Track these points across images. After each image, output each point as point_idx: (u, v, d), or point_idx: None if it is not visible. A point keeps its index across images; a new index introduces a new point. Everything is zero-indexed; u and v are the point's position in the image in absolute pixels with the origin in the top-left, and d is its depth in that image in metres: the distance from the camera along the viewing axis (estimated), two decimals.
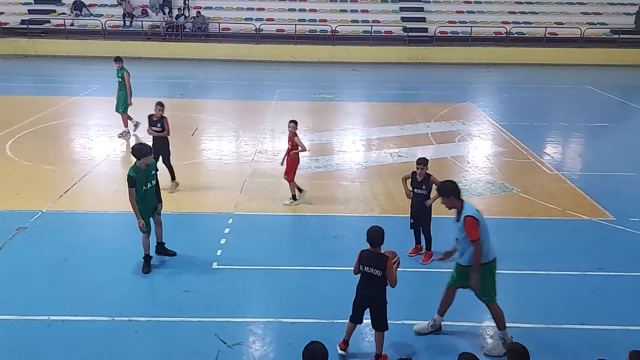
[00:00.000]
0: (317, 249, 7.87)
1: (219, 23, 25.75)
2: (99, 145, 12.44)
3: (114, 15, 25.81)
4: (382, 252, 5.37)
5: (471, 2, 27.77)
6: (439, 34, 25.76)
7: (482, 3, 27.72)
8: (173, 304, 6.37)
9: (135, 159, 6.84)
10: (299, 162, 9.26)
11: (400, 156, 12.02)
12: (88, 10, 25.83)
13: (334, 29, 25.70)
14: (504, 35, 25.74)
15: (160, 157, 9.35)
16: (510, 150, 12.55)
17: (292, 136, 9.00)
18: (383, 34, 26.16)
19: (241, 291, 6.75)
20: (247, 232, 8.30)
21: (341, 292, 6.09)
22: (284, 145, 12.66)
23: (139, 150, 6.82)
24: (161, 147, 9.50)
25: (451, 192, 5.57)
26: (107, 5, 26.28)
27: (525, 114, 16.00)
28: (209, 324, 6.00)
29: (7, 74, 20.60)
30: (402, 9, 27.24)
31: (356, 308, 5.51)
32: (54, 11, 26.07)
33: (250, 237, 8.14)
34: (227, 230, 8.22)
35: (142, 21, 25.73)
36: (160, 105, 9.67)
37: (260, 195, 9.71)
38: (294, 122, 9.03)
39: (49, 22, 25.63)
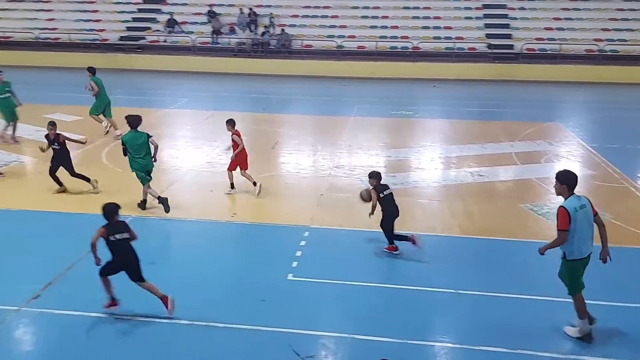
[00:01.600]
0: (392, 266, 7.81)
1: (302, 40, 26.39)
2: (186, 156, 13.06)
3: (203, 33, 27.15)
4: None
5: (561, 19, 26.69)
6: (525, 51, 24.95)
7: (573, 20, 26.55)
8: (249, 312, 6.54)
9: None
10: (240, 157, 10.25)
11: (480, 175, 11.70)
12: (180, 28, 27.34)
13: (415, 46, 25.57)
14: (596, 53, 24.49)
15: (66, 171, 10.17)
16: (601, 173, 11.87)
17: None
18: (466, 50, 25.70)
19: (315, 304, 6.82)
20: (322, 246, 8.38)
21: (414, 311, 6.00)
22: (360, 160, 12.79)
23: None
24: (62, 161, 10.14)
25: (566, 180, 5.84)
26: (197, 22, 27.69)
27: (618, 136, 15.08)
28: (283, 335, 6.09)
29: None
30: (487, 26, 26.66)
31: None
32: (150, 28, 27.82)
33: (325, 251, 8.21)
34: (303, 243, 8.34)
35: (229, 38, 26.88)
36: (51, 124, 10.06)
37: (336, 210, 9.79)
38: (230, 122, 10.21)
39: (144, 38, 27.38)
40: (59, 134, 10.15)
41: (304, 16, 27.67)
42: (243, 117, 17.29)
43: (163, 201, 9.43)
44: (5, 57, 26.19)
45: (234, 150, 10.27)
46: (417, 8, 27.79)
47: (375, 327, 6.25)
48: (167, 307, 6.30)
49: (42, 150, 10.21)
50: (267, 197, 10.54)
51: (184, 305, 6.62)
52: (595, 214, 5.93)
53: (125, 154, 9.44)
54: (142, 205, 9.62)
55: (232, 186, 10.46)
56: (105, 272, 6.34)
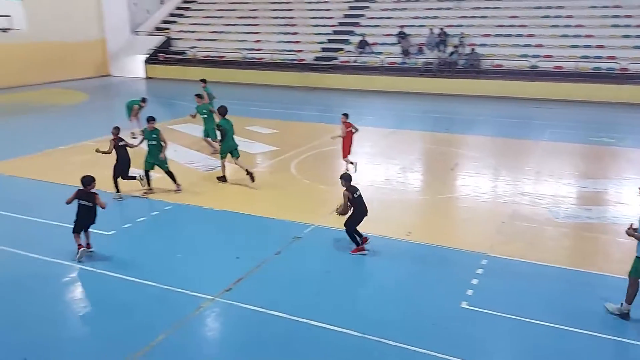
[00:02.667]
0: (576, 308, 7.08)
1: (493, 60, 25.47)
2: (365, 172, 13.44)
3: (392, 53, 27.77)
4: None
5: None
6: None
7: None
8: (418, 334, 6.47)
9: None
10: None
11: None
12: (370, 48, 28.33)
13: (623, 67, 22.97)
14: None
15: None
16: None
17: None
18: None
19: (488, 337, 6.49)
20: (501, 277, 7.94)
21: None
22: (549, 188, 11.86)
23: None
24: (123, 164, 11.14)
25: None
26: (387, 43, 28.42)
27: None
28: None
29: (298, 103, 23.92)
30: None
31: None
32: (342, 49, 29.33)
33: (504, 283, 7.77)
34: (480, 271, 8.00)
35: (417, 58, 27.09)
36: (115, 129, 11.00)
37: (519, 240, 9.22)
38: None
39: (336, 58, 28.94)
40: (119, 139, 11.08)
41: (496, 35, 26.70)
42: (423, 136, 17.29)
43: (250, 174, 11.80)
44: (217, 74, 29.84)
45: (344, 139, 12.65)
46: (628, 26, 24.97)
47: None
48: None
49: (105, 152, 11.04)
50: (444, 219, 10.38)
51: (356, 317, 6.81)
52: None
53: (223, 137, 11.86)
54: (223, 179, 12.12)
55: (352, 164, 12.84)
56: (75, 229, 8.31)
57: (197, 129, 17.83)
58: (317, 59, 29.13)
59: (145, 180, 11.45)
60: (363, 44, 28.35)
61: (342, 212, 8.67)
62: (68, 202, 8.31)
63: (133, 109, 16.20)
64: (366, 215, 8.67)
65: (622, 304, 6.85)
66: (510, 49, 25.83)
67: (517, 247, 8.89)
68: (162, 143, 11.32)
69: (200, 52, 31.78)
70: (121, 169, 11.20)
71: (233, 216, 10.29)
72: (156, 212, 10.46)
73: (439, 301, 7.22)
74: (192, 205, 10.77)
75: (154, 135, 11.21)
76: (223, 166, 12.31)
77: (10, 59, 26.48)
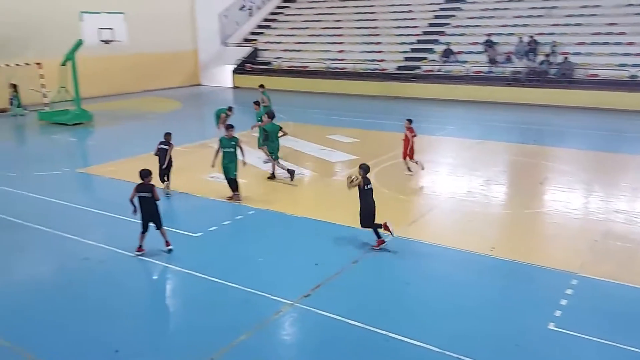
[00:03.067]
0: None
1: (587, 69, 24.14)
2: (448, 183, 13.17)
3: (478, 62, 27.07)
4: None
5: None
6: None
7: None
8: (502, 356, 6.24)
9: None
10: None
11: None
12: (455, 57, 27.78)
13: None
14: None
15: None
16: None
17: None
18: None
19: None
20: (593, 298, 7.49)
21: None
22: None
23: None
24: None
25: None
26: (473, 52, 27.74)
27: None
28: None
29: (380, 112, 23.88)
30: None
31: None
32: (426, 58, 28.97)
33: (596, 305, 7.31)
34: (569, 291, 7.59)
35: (504, 67, 26.22)
36: (167, 134, 11.98)
37: (612, 260, 8.67)
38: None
39: (419, 68, 28.63)
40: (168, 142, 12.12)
41: (592, 43, 25.27)
42: (509, 148, 16.67)
43: (291, 172, 12.86)
44: (300, 84, 30.55)
45: (405, 142, 13.42)
46: None
47: None
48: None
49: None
50: (531, 235, 9.94)
51: (435, 332, 6.68)
52: None
53: (265, 140, 13.06)
54: (272, 176, 13.21)
55: (409, 169, 13.63)
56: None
57: (281, 137, 18.28)
58: (399, 68, 28.97)
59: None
60: (448, 53, 27.85)
61: (350, 185, 9.28)
62: (131, 199, 8.76)
63: (220, 117, 16.89)
64: (374, 209, 9.14)
65: None
66: (608, 58, 24.33)
67: (610, 268, 8.34)
68: (240, 151, 11.60)
69: (285, 63, 32.60)
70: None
71: (313, 223, 10.44)
72: (240, 217, 10.84)
73: (524, 321, 6.92)
74: (273, 211, 11.06)
75: (232, 143, 11.55)
76: (274, 166, 13.42)
77: (111, 69, 28.52)
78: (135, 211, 8.79)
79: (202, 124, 20.80)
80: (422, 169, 13.57)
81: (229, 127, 11.72)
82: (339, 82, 29.63)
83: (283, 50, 33.87)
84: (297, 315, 7.15)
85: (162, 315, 7.40)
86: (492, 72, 26.47)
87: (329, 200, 12.05)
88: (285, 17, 37.46)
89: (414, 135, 13.46)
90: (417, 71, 28.51)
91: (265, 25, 37.24)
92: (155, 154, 12.06)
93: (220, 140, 11.64)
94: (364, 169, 9.15)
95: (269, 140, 13.17)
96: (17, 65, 23.86)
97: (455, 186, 12.85)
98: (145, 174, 8.83)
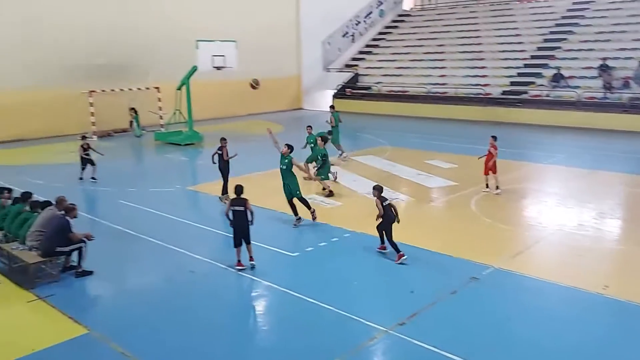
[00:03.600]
0: None
1: None
2: (555, 214, 12.42)
3: (591, 87, 25.49)
4: None
5: None
6: None
7: None
8: None
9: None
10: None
11: None
12: (566, 82, 26.38)
13: None
14: None
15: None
16: None
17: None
18: None
19: None
20: None
21: None
22: None
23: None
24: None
25: None
26: (586, 77, 26.20)
27: None
28: None
29: (481, 137, 22.93)
30: None
31: None
32: (534, 83, 27.77)
33: None
34: None
35: (621, 93, 24.46)
36: (223, 140, 13.55)
37: None
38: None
39: (526, 93, 27.48)
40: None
41: None
42: (626, 179, 15.42)
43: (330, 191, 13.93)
44: (400, 108, 30.48)
45: (488, 158, 13.82)
46: None
47: None
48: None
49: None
50: None
51: None
52: None
53: (323, 164, 14.02)
54: (331, 193, 13.92)
55: (487, 186, 14.07)
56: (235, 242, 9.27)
57: (378, 161, 18.34)
58: (504, 92, 28.02)
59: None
60: (558, 77, 26.52)
61: (379, 215, 9.81)
62: (226, 213, 9.34)
63: (319, 140, 17.23)
64: (395, 221, 9.75)
65: None
66: None
67: None
68: (293, 170, 11.82)
69: (385, 87, 32.75)
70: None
71: (408, 249, 10.25)
72: (336, 239, 10.93)
73: None
74: (369, 235, 11.02)
75: (286, 161, 11.80)
76: (326, 185, 14.26)
77: (220, 94, 30.23)
78: (231, 224, 9.27)
79: (301, 146, 21.35)
80: (498, 191, 13.87)
81: (287, 146, 11.81)
82: (439, 106, 29.20)
83: (383, 75, 34.08)
84: (392, 343, 7.04)
85: (259, 332, 7.62)
86: (607, 98, 24.78)
87: (425, 226, 11.83)
88: (387, 42, 37.77)
89: (495, 153, 13.88)
90: (523, 96, 27.40)
91: (367, 50, 37.75)
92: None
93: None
94: (378, 189, 9.98)
95: (324, 166, 14.23)
96: (139, 89, 26.09)
97: (564, 218, 12.08)
98: (240, 189, 9.43)
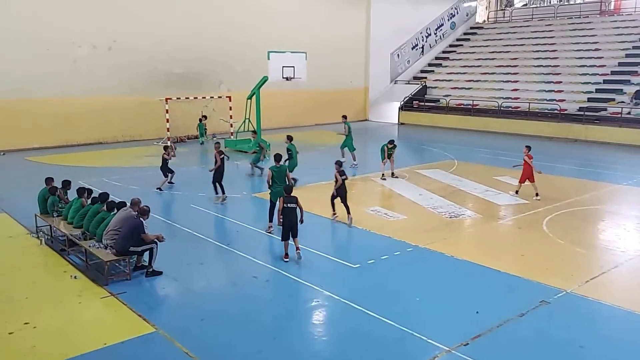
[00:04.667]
0: None
1: None
2: (635, 239, 11.68)
3: None
4: None
5: None
6: None
7: None
8: None
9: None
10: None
11: None
12: None
13: None
14: None
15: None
16: None
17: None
18: None
19: None
20: None
21: None
22: None
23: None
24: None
25: None
26: None
27: None
28: None
29: (556, 155, 22.20)
30: None
31: None
32: (613, 100, 26.40)
33: None
34: None
35: None
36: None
37: None
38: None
39: (605, 110, 26.16)
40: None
41: None
42: None
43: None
44: (469, 122, 29.84)
45: (525, 167, 14.52)
46: None
47: None
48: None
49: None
50: None
51: None
52: None
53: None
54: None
55: (517, 192, 15.09)
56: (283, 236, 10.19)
57: (445, 175, 17.98)
58: (581, 109, 26.79)
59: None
60: None
61: (337, 186, 12.25)
62: (279, 210, 10.10)
63: (384, 150, 17.15)
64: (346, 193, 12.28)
65: None
66: None
67: None
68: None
69: (454, 100, 32.17)
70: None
71: (474, 267, 9.98)
72: (398, 252, 10.78)
73: None
74: (433, 250, 10.82)
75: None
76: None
77: (289, 103, 30.77)
78: (282, 222, 10.07)
79: (366, 157, 21.29)
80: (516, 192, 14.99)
81: (277, 158, 12.31)
82: (511, 121, 28.34)
83: (452, 88, 33.52)
84: None
85: (318, 343, 7.60)
86: None
87: (493, 245, 11.45)
88: (457, 55, 37.17)
89: (530, 162, 14.53)
90: (602, 113, 26.11)
91: (437, 63, 37.29)
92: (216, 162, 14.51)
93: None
94: (338, 164, 12.34)
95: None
96: (212, 97, 27.02)
97: None
98: (290, 188, 10.45)
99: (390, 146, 17.01)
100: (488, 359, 6.82)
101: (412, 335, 7.44)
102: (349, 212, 12.34)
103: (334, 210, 12.73)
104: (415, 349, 7.14)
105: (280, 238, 10.38)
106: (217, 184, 14.60)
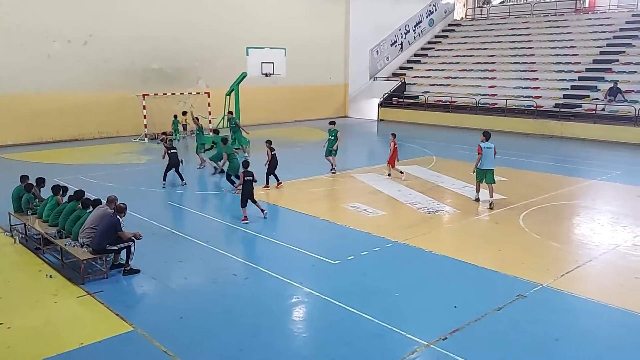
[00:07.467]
0: None
1: None
2: (609, 233, 11.92)
3: None
4: None
5: None
6: None
7: None
8: None
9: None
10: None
11: None
12: (623, 97, 25.41)
13: None
14: None
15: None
16: None
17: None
18: None
19: None
20: None
21: None
22: None
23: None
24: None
25: None
26: None
27: None
28: None
29: (530, 151, 22.53)
30: None
31: None
32: (588, 96, 26.88)
33: None
34: None
35: None
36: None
37: None
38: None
39: (580, 106, 26.62)
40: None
41: None
42: None
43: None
44: (446, 119, 30.11)
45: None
46: None
47: None
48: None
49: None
50: None
51: None
52: None
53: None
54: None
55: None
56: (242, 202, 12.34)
57: (423, 171, 18.11)
58: (556, 105, 27.22)
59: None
60: (615, 91, 25.58)
61: (268, 161, 15.07)
62: (240, 181, 12.39)
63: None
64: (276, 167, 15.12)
65: None
66: None
67: None
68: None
69: (432, 97, 32.41)
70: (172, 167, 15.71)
71: (452, 262, 10.08)
72: (377, 248, 10.83)
73: None
74: (411, 246, 10.90)
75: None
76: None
77: (268, 100, 30.62)
78: (239, 190, 12.45)
79: (346, 153, 21.33)
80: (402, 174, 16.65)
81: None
82: (488, 117, 28.63)
83: (431, 85, 33.75)
84: (433, 358, 6.89)
85: (298, 339, 7.59)
86: None
87: (471, 240, 11.57)
88: (436, 52, 37.41)
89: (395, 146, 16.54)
90: (577, 109, 26.57)
91: (415, 60, 37.49)
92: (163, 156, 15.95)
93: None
94: (269, 142, 15.07)
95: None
96: (190, 94, 26.74)
97: (619, 238, 11.58)
98: (247, 163, 12.44)
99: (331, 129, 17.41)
100: (466, 352, 6.89)
101: (391, 330, 7.48)
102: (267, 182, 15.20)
103: (267, 184, 15.22)
104: (395, 344, 7.19)
105: (241, 203, 12.27)
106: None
